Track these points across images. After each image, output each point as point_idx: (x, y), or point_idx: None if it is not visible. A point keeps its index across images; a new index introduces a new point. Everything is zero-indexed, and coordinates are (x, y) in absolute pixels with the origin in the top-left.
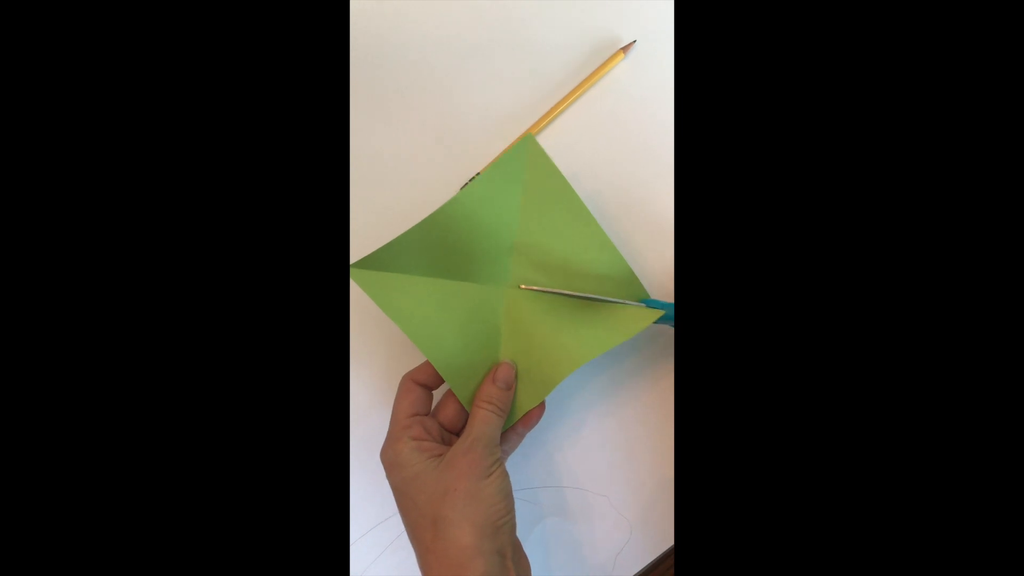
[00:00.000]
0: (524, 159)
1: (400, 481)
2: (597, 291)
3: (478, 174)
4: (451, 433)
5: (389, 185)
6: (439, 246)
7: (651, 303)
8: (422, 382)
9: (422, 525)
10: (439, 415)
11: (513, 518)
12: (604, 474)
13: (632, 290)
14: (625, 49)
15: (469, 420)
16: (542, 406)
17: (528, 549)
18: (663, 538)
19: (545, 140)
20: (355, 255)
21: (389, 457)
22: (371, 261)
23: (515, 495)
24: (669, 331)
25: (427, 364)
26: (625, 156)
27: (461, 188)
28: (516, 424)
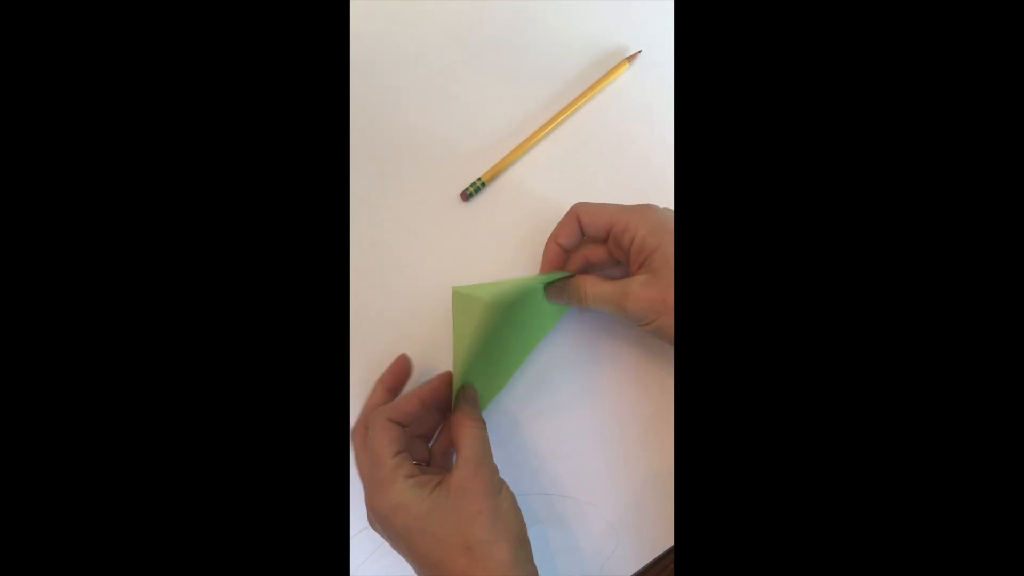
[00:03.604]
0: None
1: (410, 520)
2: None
3: (480, 179)
4: (425, 438)
5: (390, 193)
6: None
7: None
8: (397, 419)
9: (452, 555)
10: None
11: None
12: (588, 480)
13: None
14: (630, 59)
15: (458, 440)
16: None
17: None
18: (650, 545)
19: (546, 148)
20: (355, 263)
21: (387, 503)
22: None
23: None
24: (644, 340)
25: (402, 401)
26: (627, 165)
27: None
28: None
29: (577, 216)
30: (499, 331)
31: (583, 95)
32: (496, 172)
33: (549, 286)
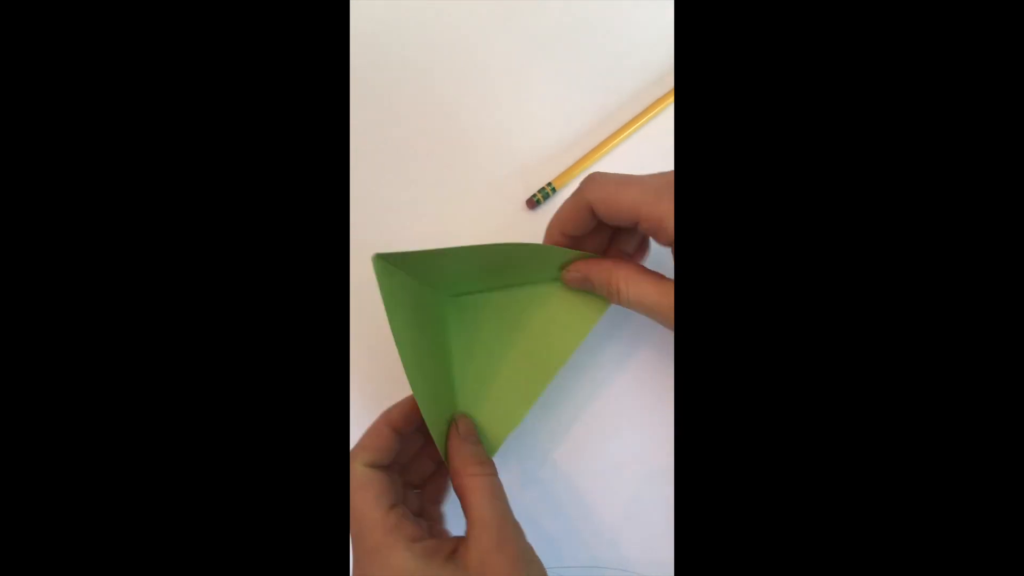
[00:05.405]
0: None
1: None
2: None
3: (550, 184)
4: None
5: (448, 199)
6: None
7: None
8: (375, 461)
9: None
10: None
11: None
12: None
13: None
14: None
15: (464, 494)
16: None
17: None
18: None
19: (628, 151)
20: (355, 277)
21: None
22: (398, 258)
23: None
24: None
25: (369, 435)
26: None
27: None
28: None
29: (590, 205)
30: (476, 326)
31: (649, 108)
32: (569, 177)
33: (565, 266)
